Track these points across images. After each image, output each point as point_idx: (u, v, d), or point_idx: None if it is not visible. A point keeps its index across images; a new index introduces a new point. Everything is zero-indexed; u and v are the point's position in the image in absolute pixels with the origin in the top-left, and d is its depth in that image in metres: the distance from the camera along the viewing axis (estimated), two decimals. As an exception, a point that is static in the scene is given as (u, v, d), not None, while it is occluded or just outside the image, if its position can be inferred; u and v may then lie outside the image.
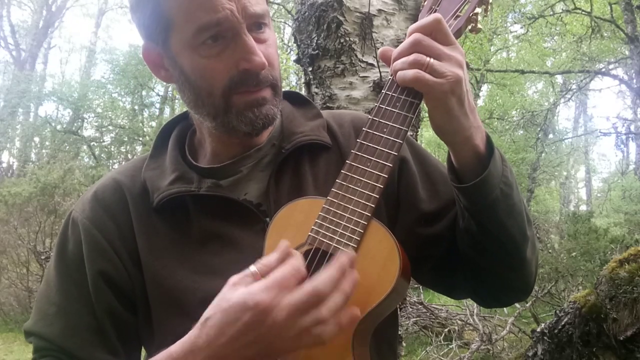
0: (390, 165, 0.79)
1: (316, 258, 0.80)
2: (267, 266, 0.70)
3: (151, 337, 0.90)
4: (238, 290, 0.68)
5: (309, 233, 0.80)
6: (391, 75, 0.81)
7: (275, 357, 0.70)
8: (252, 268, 0.70)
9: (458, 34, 0.84)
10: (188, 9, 0.80)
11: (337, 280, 0.69)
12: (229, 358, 0.68)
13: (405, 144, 0.96)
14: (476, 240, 0.85)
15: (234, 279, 0.70)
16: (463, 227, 0.87)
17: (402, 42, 2.31)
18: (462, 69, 0.76)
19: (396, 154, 0.80)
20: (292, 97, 1.04)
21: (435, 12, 0.85)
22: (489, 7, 0.87)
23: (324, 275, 0.69)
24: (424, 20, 0.78)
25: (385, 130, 0.81)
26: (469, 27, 0.86)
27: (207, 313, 0.69)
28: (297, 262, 0.71)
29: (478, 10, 0.85)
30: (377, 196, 0.79)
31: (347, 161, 0.82)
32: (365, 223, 0.78)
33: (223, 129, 0.88)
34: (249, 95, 0.86)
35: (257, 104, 0.86)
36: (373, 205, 0.78)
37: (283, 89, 0.94)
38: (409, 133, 0.83)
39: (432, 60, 0.75)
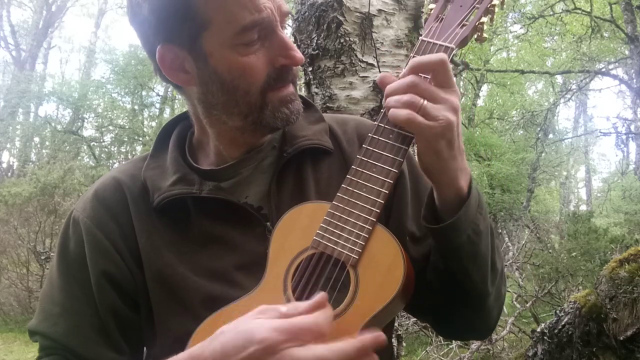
0: (396, 171, 0.80)
1: (321, 262, 0.80)
2: (296, 310, 0.69)
3: (153, 337, 0.90)
4: (257, 320, 0.68)
5: (314, 237, 0.80)
6: (383, 109, 0.81)
7: None
8: (283, 308, 0.69)
9: (464, 42, 0.84)
10: (230, 9, 0.79)
11: (351, 358, 0.68)
12: None
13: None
14: (441, 277, 0.87)
15: (263, 307, 0.70)
16: (433, 261, 0.89)
17: (402, 42, 2.28)
18: (456, 113, 0.76)
19: (402, 160, 0.80)
20: None
21: (442, 20, 0.86)
22: (494, 17, 0.88)
23: (342, 348, 0.67)
24: (429, 57, 0.78)
25: (391, 136, 0.81)
26: (475, 35, 0.86)
27: (225, 327, 0.69)
28: (322, 317, 0.69)
29: (484, 19, 0.85)
30: (383, 201, 0.79)
31: (352, 166, 0.82)
32: (370, 228, 0.78)
33: (252, 126, 0.89)
34: (280, 92, 0.87)
35: (289, 100, 0.88)
36: (378, 211, 0.79)
37: None
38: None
39: (426, 102, 0.75)
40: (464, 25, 0.84)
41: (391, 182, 0.79)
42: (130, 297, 0.90)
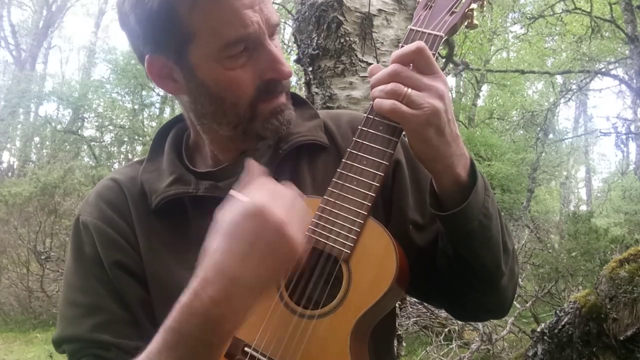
0: (387, 163, 0.79)
1: (313, 257, 0.79)
2: None
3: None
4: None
5: (306, 232, 0.80)
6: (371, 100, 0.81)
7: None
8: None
9: (454, 30, 0.84)
10: (215, 23, 0.79)
11: None
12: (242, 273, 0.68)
13: (401, 146, 0.97)
14: (451, 263, 0.86)
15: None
16: (441, 247, 0.88)
17: (401, 42, 2.30)
18: (443, 99, 0.75)
19: (392, 152, 0.80)
20: None
21: (431, 8, 0.85)
22: (485, 3, 0.87)
23: None
24: (406, 48, 0.77)
25: (381, 128, 0.81)
26: (465, 23, 0.85)
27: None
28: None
29: (474, 6, 0.84)
30: (374, 194, 0.78)
31: (343, 160, 0.82)
32: (362, 222, 0.78)
33: (242, 136, 0.89)
34: (271, 103, 0.87)
35: (279, 111, 0.88)
36: (370, 204, 0.78)
37: None
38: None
39: (410, 90, 0.74)
40: (453, 12, 0.83)
41: (382, 174, 0.79)
42: (148, 285, 0.89)
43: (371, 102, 0.82)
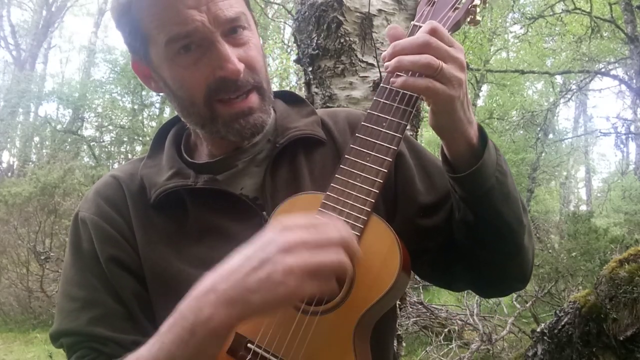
0: (390, 160, 0.79)
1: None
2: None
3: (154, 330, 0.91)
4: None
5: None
6: (387, 71, 0.78)
7: (278, 294, 0.67)
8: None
9: (457, 26, 0.84)
10: (159, 22, 0.82)
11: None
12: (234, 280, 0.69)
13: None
14: (473, 230, 0.86)
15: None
16: (459, 218, 0.88)
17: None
18: (464, 71, 0.76)
19: (396, 148, 0.80)
20: (286, 96, 1.05)
21: (434, 4, 0.85)
22: None
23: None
24: (421, 30, 0.77)
25: (384, 124, 0.81)
26: (468, 19, 0.85)
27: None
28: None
29: (477, 2, 0.84)
30: (377, 191, 0.79)
31: (346, 156, 0.82)
32: (366, 218, 0.78)
33: (213, 135, 0.91)
34: (233, 106, 0.87)
35: (243, 115, 0.87)
36: (373, 200, 0.78)
37: (282, 89, 0.96)
38: (409, 133, 0.83)
39: (442, 64, 0.74)
40: (456, 8, 0.83)
41: (386, 171, 0.79)
42: (144, 281, 0.91)
43: (375, 98, 0.82)
